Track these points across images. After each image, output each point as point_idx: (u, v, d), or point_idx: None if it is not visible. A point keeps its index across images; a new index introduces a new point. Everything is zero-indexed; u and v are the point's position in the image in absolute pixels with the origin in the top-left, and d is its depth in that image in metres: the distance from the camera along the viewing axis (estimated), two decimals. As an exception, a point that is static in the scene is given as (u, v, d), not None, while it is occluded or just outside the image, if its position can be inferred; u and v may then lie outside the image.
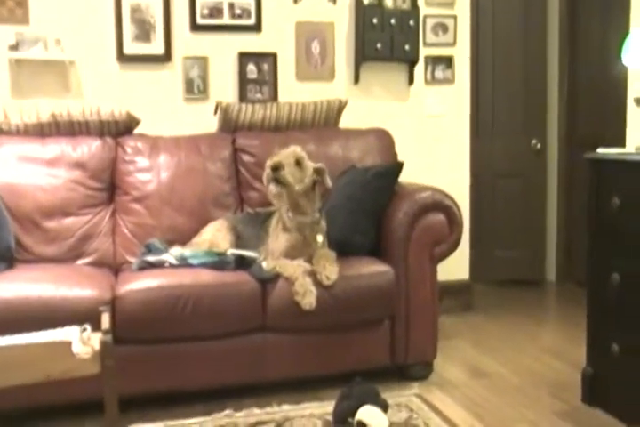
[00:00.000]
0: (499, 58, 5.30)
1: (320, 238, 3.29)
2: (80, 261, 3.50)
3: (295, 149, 3.26)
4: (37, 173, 3.54)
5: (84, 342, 1.97)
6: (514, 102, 5.35)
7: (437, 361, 3.51)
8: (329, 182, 3.29)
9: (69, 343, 1.94)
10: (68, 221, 3.53)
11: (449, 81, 4.61)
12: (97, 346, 1.96)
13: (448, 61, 4.59)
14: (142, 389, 2.98)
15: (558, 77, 5.35)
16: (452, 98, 4.63)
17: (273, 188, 3.20)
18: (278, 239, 3.29)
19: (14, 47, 3.82)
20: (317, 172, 3.28)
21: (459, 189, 4.39)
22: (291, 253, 3.23)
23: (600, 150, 3.07)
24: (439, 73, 4.59)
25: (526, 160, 5.41)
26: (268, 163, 3.20)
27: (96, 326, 2.02)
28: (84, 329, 2.00)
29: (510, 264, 5.41)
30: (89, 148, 3.66)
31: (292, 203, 3.26)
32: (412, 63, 4.48)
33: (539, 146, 5.40)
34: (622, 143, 3.84)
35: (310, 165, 3.26)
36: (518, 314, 4.62)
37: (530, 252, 5.46)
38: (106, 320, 2.10)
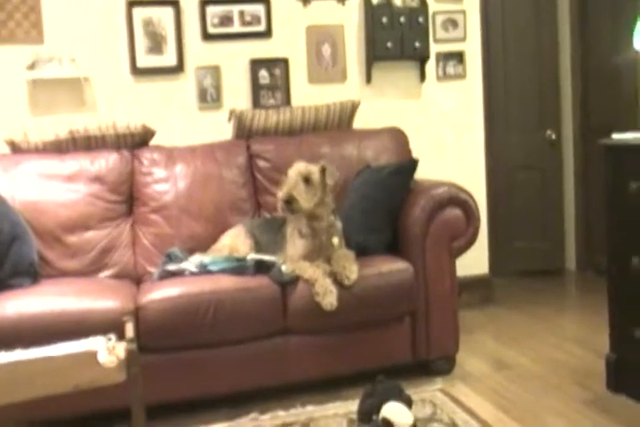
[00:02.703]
0: (510, 51, 5.29)
1: (336, 241, 3.32)
2: (102, 274, 3.57)
3: (300, 169, 3.26)
4: (57, 188, 3.62)
5: (109, 352, 1.99)
6: (527, 94, 5.35)
7: (460, 355, 3.52)
8: (330, 180, 3.28)
9: (95, 353, 1.97)
10: (89, 234, 3.60)
11: (461, 76, 4.62)
12: (122, 355, 1.98)
13: (459, 57, 4.60)
14: (168, 396, 3.03)
15: (570, 67, 5.34)
16: (465, 93, 4.64)
17: (289, 215, 3.27)
18: (295, 244, 3.33)
19: (31, 67, 3.90)
20: (322, 171, 3.29)
21: (475, 184, 4.42)
22: (309, 257, 3.26)
23: (615, 136, 3.06)
24: (451, 69, 4.60)
25: (542, 151, 5.40)
26: (279, 195, 3.22)
27: (120, 336, 2.05)
28: (109, 339, 2.03)
29: (530, 255, 5.40)
30: (106, 161, 3.73)
31: (307, 215, 3.30)
32: (423, 60, 4.50)
33: (553, 137, 5.39)
34: (637, 128, 3.82)
35: (316, 173, 3.26)
36: (539, 305, 4.62)
37: (549, 242, 5.45)
38: (130, 329, 2.13)
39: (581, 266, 5.39)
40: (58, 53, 3.94)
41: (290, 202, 3.18)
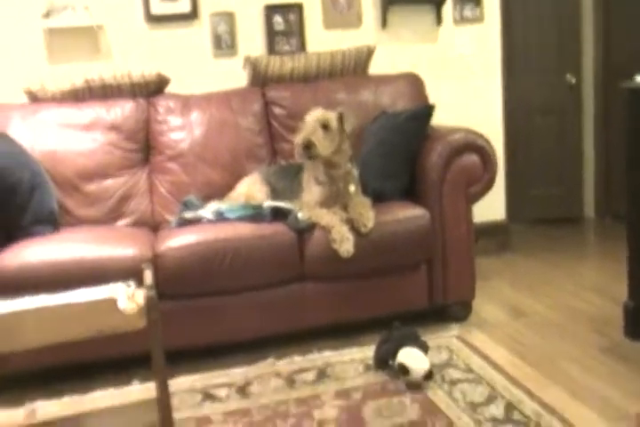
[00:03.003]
0: (529, -7, 5.17)
1: (352, 188, 3.31)
2: (120, 222, 3.61)
3: (318, 115, 3.23)
4: (75, 137, 3.64)
5: (129, 298, 2.02)
6: (546, 37, 5.25)
7: (476, 302, 3.54)
8: (348, 127, 3.26)
9: (115, 300, 2.00)
10: (107, 183, 3.63)
11: (478, 19, 4.53)
12: (141, 302, 2.01)
13: (476, -1, 4.51)
14: (186, 342, 3.08)
15: (592, 9, 5.21)
16: (483, 36, 4.56)
17: (307, 161, 3.25)
18: (312, 191, 3.32)
19: (46, 15, 3.88)
20: (339, 119, 3.26)
21: (492, 129, 4.38)
22: (325, 204, 3.26)
23: (638, 78, 2.99)
24: (468, 12, 4.51)
25: (561, 95, 5.33)
26: (297, 140, 3.19)
27: (139, 283, 2.08)
28: (129, 286, 2.04)
29: (547, 202, 5.38)
30: (122, 110, 3.74)
31: (325, 162, 3.28)
32: (439, 3, 4.41)
33: (573, 80, 5.31)
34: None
35: (334, 119, 3.23)
36: (556, 252, 4.61)
37: (567, 189, 5.42)
38: (149, 276, 2.15)
39: (600, 213, 5.36)
40: (71, 1, 3.89)
41: (308, 147, 3.16)
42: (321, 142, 3.17)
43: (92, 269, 2.90)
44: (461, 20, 4.51)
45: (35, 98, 3.77)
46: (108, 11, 4.01)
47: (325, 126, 3.20)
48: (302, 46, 4.27)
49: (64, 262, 2.92)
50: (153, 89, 3.86)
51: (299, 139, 3.19)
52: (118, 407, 2.74)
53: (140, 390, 2.88)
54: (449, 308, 3.46)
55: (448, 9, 4.47)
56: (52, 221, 3.33)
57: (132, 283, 2.07)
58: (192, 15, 4.12)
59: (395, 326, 3.00)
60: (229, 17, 4.18)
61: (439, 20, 4.45)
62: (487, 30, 4.56)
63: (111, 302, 2.01)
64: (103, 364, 3.08)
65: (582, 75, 5.33)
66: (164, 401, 2.02)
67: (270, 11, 4.22)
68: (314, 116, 3.24)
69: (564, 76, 5.30)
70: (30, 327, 1.97)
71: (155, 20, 4.09)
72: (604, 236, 5.06)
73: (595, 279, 4.05)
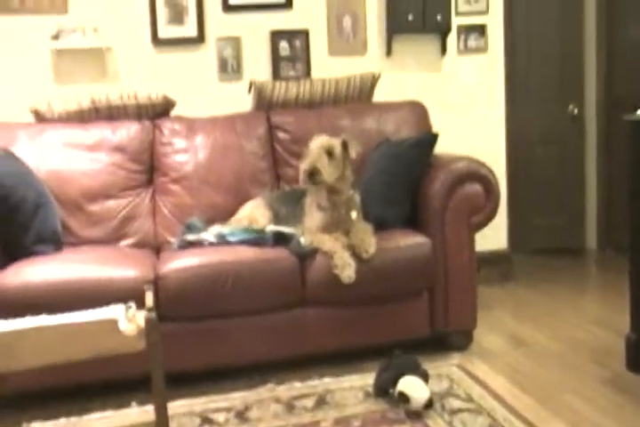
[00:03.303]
0: (533, 24, 5.21)
1: (354, 214, 3.31)
2: (123, 243, 3.61)
3: (323, 142, 3.24)
4: (80, 158, 3.65)
5: (129, 320, 2.01)
6: (549, 68, 5.28)
7: (477, 331, 3.53)
8: (353, 153, 3.28)
9: (116, 321, 1.99)
10: (110, 203, 3.63)
11: (482, 50, 4.58)
12: (142, 323, 2.00)
13: (481, 30, 4.55)
14: (186, 365, 3.06)
15: (595, 41, 5.25)
16: (486, 67, 4.60)
17: (311, 187, 3.27)
18: (314, 217, 3.32)
19: (55, 37, 3.92)
20: (343, 145, 3.28)
21: (495, 158, 4.40)
22: (327, 230, 3.26)
23: (640, 111, 3.02)
24: (472, 42, 4.56)
25: (563, 126, 5.35)
26: (302, 167, 3.21)
27: (140, 305, 2.07)
28: (129, 307, 2.04)
29: (550, 232, 5.37)
30: (128, 131, 3.75)
31: (328, 188, 3.29)
32: (444, 33, 4.46)
33: (576, 111, 5.33)
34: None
35: (338, 147, 3.25)
36: (558, 283, 4.60)
37: (569, 219, 5.41)
38: (150, 298, 2.14)
39: (602, 244, 5.36)
40: (81, 23, 3.94)
41: (313, 174, 3.17)
42: (326, 169, 3.18)
43: (94, 289, 2.89)
44: (465, 50, 4.55)
45: (41, 117, 3.79)
46: (116, 33, 4.05)
47: (330, 153, 3.22)
48: (307, 72, 4.30)
49: (65, 282, 2.90)
50: (159, 111, 3.88)
51: (304, 165, 3.20)
52: (115, 430, 2.73)
53: (139, 413, 2.85)
54: (450, 336, 3.44)
55: (452, 39, 4.51)
56: (55, 241, 3.32)
57: (132, 304, 2.06)
58: (198, 39, 4.16)
59: (395, 353, 2.98)
60: (235, 41, 4.21)
61: (444, 49, 4.49)
62: (491, 60, 4.60)
63: (112, 324, 2.00)
64: (102, 385, 3.06)
65: (584, 106, 5.35)
66: (162, 425, 2.00)
67: (276, 36, 4.26)
68: (318, 142, 3.25)
69: (566, 106, 5.32)
70: (29, 347, 1.96)
71: (162, 43, 4.13)
72: (606, 267, 5.04)
73: (596, 311, 4.04)
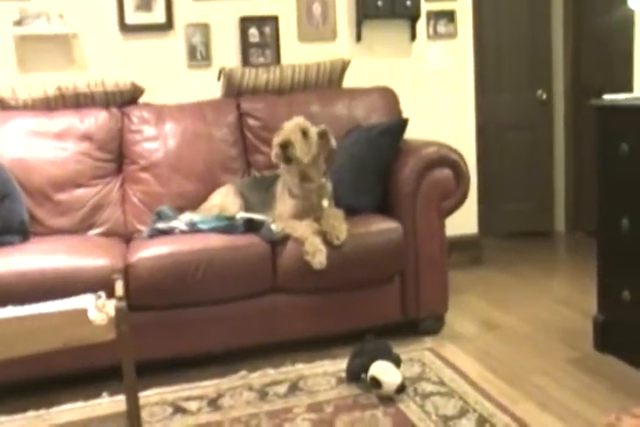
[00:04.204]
0: (502, 9, 5.23)
1: (326, 203, 3.32)
2: (92, 232, 3.57)
3: (299, 121, 3.25)
4: (46, 146, 3.59)
5: (99, 310, 2.00)
6: (518, 54, 5.30)
7: (449, 315, 3.56)
8: (333, 143, 3.30)
9: (85, 311, 1.97)
10: (79, 192, 3.59)
11: (452, 35, 4.58)
12: (112, 313, 1.99)
13: (450, 16, 4.55)
14: (158, 354, 3.04)
15: (563, 26, 5.29)
16: (456, 52, 4.61)
17: (283, 165, 3.24)
18: (285, 204, 3.33)
19: (18, 23, 3.84)
20: (321, 135, 3.29)
21: (465, 144, 4.40)
22: (298, 217, 3.26)
23: (607, 97, 3.05)
24: (441, 28, 4.56)
25: (532, 111, 5.38)
26: (276, 140, 3.20)
27: (110, 294, 2.06)
28: (99, 297, 2.03)
29: (519, 216, 5.42)
30: (95, 119, 3.70)
31: (300, 173, 3.28)
32: (413, 19, 4.44)
33: (544, 96, 5.37)
34: (629, 90, 3.80)
35: (314, 131, 3.27)
36: (528, 266, 4.64)
37: (538, 203, 5.46)
38: (119, 287, 2.13)
39: (570, 227, 5.41)
40: (46, 9, 3.86)
41: (287, 147, 3.16)
42: (299, 145, 3.18)
43: (62, 279, 2.86)
44: (435, 35, 4.55)
45: (5, 105, 3.72)
46: (82, 19, 3.98)
47: (304, 133, 3.21)
48: (277, 59, 4.28)
49: (33, 273, 2.87)
50: (127, 98, 3.83)
51: (277, 139, 3.19)
52: (86, 421, 2.71)
53: (110, 404, 2.83)
54: (422, 321, 3.46)
55: (422, 25, 4.50)
56: (22, 231, 3.29)
57: (102, 294, 2.05)
58: (167, 26, 4.11)
59: (367, 338, 2.99)
60: (204, 28, 4.17)
61: (413, 35, 4.49)
62: (460, 46, 4.61)
63: (81, 313, 1.98)
64: (71, 376, 3.02)
65: (553, 91, 5.39)
66: (133, 414, 2.00)
67: (246, 23, 4.22)
68: (294, 121, 3.25)
69: (534, 92, 5.36)
70: (-3, 338, 1.94)
71: (129, 29, 4.08)
72: (575, 250, 5.10)
73: (565, 293, 4.08)
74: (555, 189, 5.49)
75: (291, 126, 3.23)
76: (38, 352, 1.99)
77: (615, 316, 3.08)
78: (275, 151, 3.22)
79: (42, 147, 3.58)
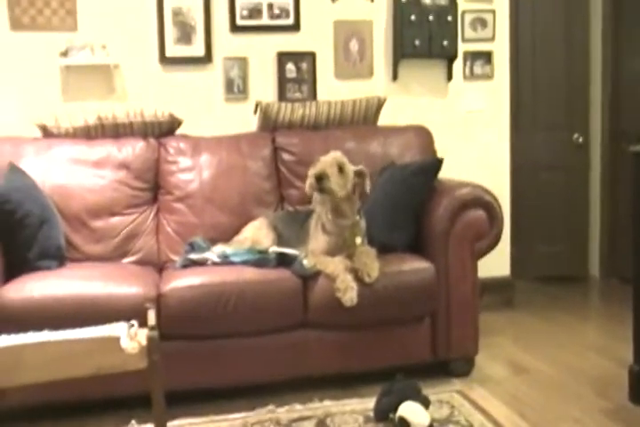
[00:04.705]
0: (539, 51, 5.25)
1: (359, 240, 3.30)
2: (126, 260, 3.59)
3: (336, 155, 3.26)
4: (85, 174, 3.64)
5: (131, 338, 2.00)
6: (555, 96, 5.30)
7: (479, 358, 3.50)
8: (368, 187, 3.31)
9: (118, 338, 1.98)
10: (114, 220, 3.62)
11: (488, 76, 4.59)
12: (144, 342, 1.99)
13: (487, 57, 4.57)
14: (187, 384, 3.03)
15: (601, 70, 5.29)
16: (492, 93, 4.61)
17: (317, 196, 3.24)
18: (318, 240, 3.32)
19: (64, 53, 3.94)
20: (358, 175, 3.29)
21: (499, 184, 4.40)
22: (331, 253, 3.25)
23: (645, 143, 3.03)
24: (478, 68, 4.57)
25: (568, 154, 5.36)
26: (312, 172, 3.21)
27: (142, 323, 2.06)
28: (132, 325, 2.04)
29: (552, 260, 5.36)
30: (133, 149, 3.74)
31: (333, 208, 3.28)
32: (450, 59, 4.47)
33: (581, 140, 5.35)
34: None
35: (351, 168, 3.27)
36: (561, 311, 4.57)
37: (572, 247, 5.40)
38: (152, 317, 2.13)
39: (605, 273, 5.34)
40: (90, 41, 3.96)
41: (322, 179, 3.16)
42: (335, 178, 3.17)
43: (96, 306, 2.88)
44: (472, 76, 4.57)
45: (48, 133, 3.79)
46: (124, 51, 4.07)
47: (341, 168, 3.22)
48: (313, 94, 4.31)
49: (68, 298, 2.89)
50: (165, 129, 3.88)
51: (313, 170, 3.20)
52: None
53: (138, 432, 2.82)
54: (452, 362, 3.41)
55: (459, 65, 4.53)
56: (59, 256, 3.31)
57: (134, 322, 2.05)
58: (206, 59, 4.18)
59: (397, 378, 2.95)
60: (242, 62, 4.23)
61: (450, 75, 4.51)
62: (497, 87, 4.62)
63: (113, 341, 1.99)
64: (101, 403, 3.03)
65: (590, 134, 5.37)
66: (162, 444, 1.98)
67: (283, 58, 4.28)
68: (331, 155, 3.26)
69: (571, 134, 5.34)
70: (31, 363, 1.95)
71: (169, 61, 4.15)
72: (609, 296, 5.03)
73: (599, 340, 4.01)
74: (590, 234, 5.44)
75: (328, 160, 3.23)
76: (71, 378, 1.99)
77: (652, 366, 3.00)
78: (309, 182, 3.22)
79: (80, 174, 3.63)
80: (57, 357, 1.96)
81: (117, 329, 2.04)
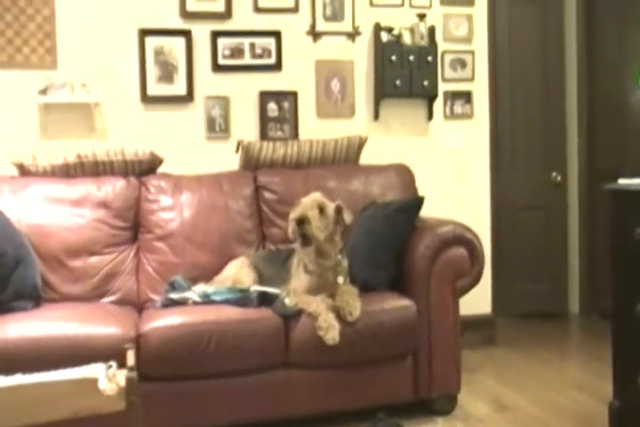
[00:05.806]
0: (517, 91, 5.33)
1: (341, 280, 3.30)
2: (105, 300, 3.54)
3: (316, 197, 3.27)
4: (63, 212, 3.61)
5: (109, 379, 1.97)
6: (533, 135, 5.38)
7: (461, 395, 3.48)
8: (347, 219, 3.30)
9: (95, 380, 1.94)
10: (93, 259, 3.58)
11: (468, 116, 4.65)
12: (122, 383, 1.96)
13: (467, 96, 4.64)
14: (166, 425, 2.99)
15: (577, 110, 5.38)
16: (472, 132, 4.67)
17: (300, 241, 3.23)
18: (300, 279, 3.30)
19: (43, 91, 3.93)
20: (337, 211, 3.30)
21: (480, 223, 4.41)
22: (312, 292, 3.24)
23: (621, 181, 3.05)
24: (458, 108, 4.63)
25: (547, 193, 5.42)
26: (292, 216, 3.21)
27: (121, 363, 2.03)
28: (110, 366, 1.99)
29: (533, 297, 5.38)
30: (113, 187, 3.73)
31: (316, 249, 3.27)
32: (431, 99, 4.53)
33: (559, 178, 5.41)
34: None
35: (331, 207, 3.28)
36: (542, 347, 4.58)
37: (552, 284, 5.43)
38: (131, 357, 2.10)
39: (585, 309, 5.37)
40: (70, 79, 3.97)
41: (303, 222, 3.16)
42: (316, 221, 3.17)
43: (73, 347, 2.83)
44: (452, 115, 4.63)
45: (25, 171, 3.75)
46: (105, 89, 4.08)
47: (322, 210, 3.22)
48: (295, 134, 4.34)
49: (44, 339, 2.84)
50: (145, 168, 3.86)
51: (294, 214, 3.19)
52: None
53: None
54: (434, 401, 3.39)
55: (439, 104, 4.58)
56: (35, 297, 3.27)
57: (113, 363, 2.02)
58: (187, 98, 4.20)
59: (379, 417, 2.93)
60: (224, 101, 4.26)
61: (430, 114, 4.56)
62: (476, 126, 4.68)
63: (91, 383, 1.95)
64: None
65: (567, 173, 5.44)
66: (139, 489, 1.94)
67: (265, 97, 4.31)
68: (311, 197, 3.26)
69: (549, 173, 5.40)
70: (4, 407, 1.90)
71: (150, 100, 4.16)
72: (589, 333, 5.03)
73: (579, 377, 4.01)
74: (569, 271, 5.47)
75: (308, 202, 3.24)
76: (46, 422, 1.95)
77: (631, 402, 2.98)
78: (291, 227, 3.22)
79: (59, 213, 3.60)
80: (32, 400, 1.92)
81: (95, 370, 2.01)
